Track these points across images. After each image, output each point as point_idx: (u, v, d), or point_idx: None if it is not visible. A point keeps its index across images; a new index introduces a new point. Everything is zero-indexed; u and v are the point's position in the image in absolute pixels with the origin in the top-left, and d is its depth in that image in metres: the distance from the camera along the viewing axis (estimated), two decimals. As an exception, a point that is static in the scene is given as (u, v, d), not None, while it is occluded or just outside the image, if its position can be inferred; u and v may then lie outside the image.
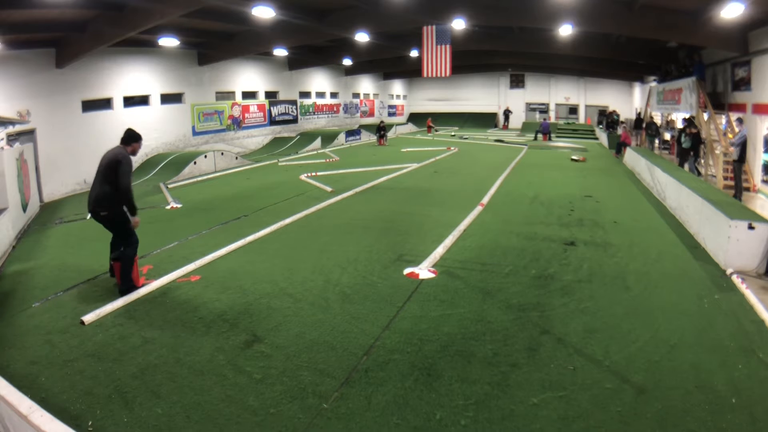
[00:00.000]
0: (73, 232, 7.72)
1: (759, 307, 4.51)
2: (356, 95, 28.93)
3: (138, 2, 9.96)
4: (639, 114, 24.38)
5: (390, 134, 25.83)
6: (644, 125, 19.92)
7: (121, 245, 5.01)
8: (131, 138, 5.21)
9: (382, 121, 23.65)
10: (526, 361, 3.64)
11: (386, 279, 5.32)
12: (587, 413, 3.04)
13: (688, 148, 12.32)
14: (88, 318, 4.34)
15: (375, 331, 4.12)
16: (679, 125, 15.14)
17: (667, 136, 19.00)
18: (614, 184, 11.68)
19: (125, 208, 4.98)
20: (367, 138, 24.22)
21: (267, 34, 15.22)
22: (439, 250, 6.21)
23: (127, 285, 4.94)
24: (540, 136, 23.90)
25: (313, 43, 18.64)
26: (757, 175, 10.92)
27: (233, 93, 19.40)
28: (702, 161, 12.39)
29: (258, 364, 3.62)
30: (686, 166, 12.01)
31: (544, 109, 31.80)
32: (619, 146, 17.32)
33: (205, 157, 14.32)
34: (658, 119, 19.81)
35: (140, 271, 5.31)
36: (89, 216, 5.09)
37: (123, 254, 4.94)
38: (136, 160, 14.89)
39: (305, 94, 24.14)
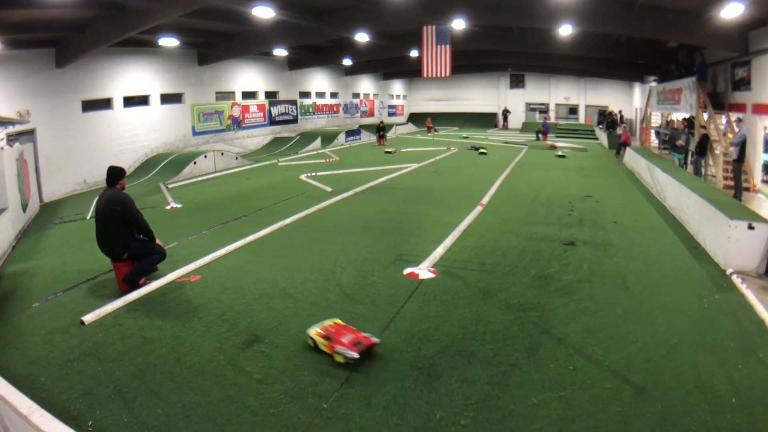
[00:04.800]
0: (73, 232, 7.71)
1: (759, 307, 4.51)
2: (356, 95, 28.93)
3: (138, 2, 9.96)
4: (620, 112, 24.43)
5: (390, 134, 25.82)
6: (664, 137, 14.99)
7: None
8: (115, 177, 5.05)
9: (381, 121, 23.65)
10: (526, 361, 3.64)
11: (386, 279, 5.32)
12: (587, 413, 3.04)
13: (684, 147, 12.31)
14: (88, 318, 4.34)
15: (375, 331, 4.11)
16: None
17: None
18: (614, 184, 11.68)
19: (141, 236, 5.10)
20: (367, 138, 24.22)
21: (267, 34, 15.22)
22: (439, 250, 6.21)
23: (136, 278, 5.03)
24: (540, 136, 23.91)
25: (313, 43, 18.63)
26: (757, 175, 10.91)
27: (233, 93, 19.40)
28: (703, 161, 12.38)
29: (258, 364, 3.62)
30: (689, 168, 11.96)
31: (544, 109, 31.81)
32: (619, 146, 17.32)
33: (205, 157, 14.33)
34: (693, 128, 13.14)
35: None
36: (89, 216, 5.11)
37: (150, 258, 5.09)
38: (136, 160, 14.91)
39: (305, 94, 24.14)
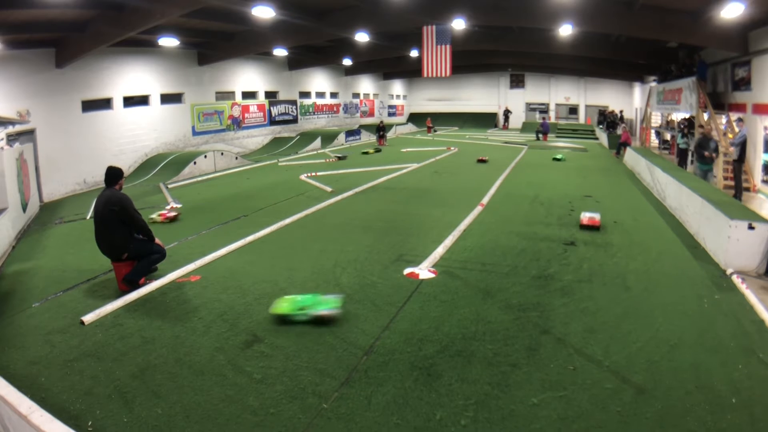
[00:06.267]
0: (73, 232, 7.71)
1: (759, 307, 4.51)
2: (356, 95, 28.93)
3: (138, 2, 9.96)
4: (621, 112, 24.46)
5: (390, 134, 25.80)
6: (692, 144, 12.19)
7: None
8: (114, 177, 5.06)
9: (381, 121, 23.64)
10: (526, 361, 3.64)
11: (386, 279, 5.31)
12: (587, 413, 3.04)
13: (686, 149, 12.22)
14: (88, 318, 4.34)
15: (375, 331, 4.12)
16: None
17: (667, 135, 18.98)
18: (614, 183, 11.68)
19: (140, 236, 5.11)
20: (367, 138, 24.21)
21: (267, 34, 15.23)
22: (439, 250, 6.21)
23: (135, 278, 5.03)
24: (540, 136, 23.91)
25: (313, 43, 18.63)
26: (757, 175, 10.91)
27: (233, 93, 19.40)
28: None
29: (258, 364, 3.62)
30: (690, 169, 11.85)
31: (544, 109, 31.81)
32: (619, 146, 17.32)
33: (205, 157, 14.32)
34: (717, 134, 11.39)
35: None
36: (89, 216, 5.13)
37: (149, 258, 5.10)
38: (136, 160, 14.92)
39: (305, 94, 24.14)
